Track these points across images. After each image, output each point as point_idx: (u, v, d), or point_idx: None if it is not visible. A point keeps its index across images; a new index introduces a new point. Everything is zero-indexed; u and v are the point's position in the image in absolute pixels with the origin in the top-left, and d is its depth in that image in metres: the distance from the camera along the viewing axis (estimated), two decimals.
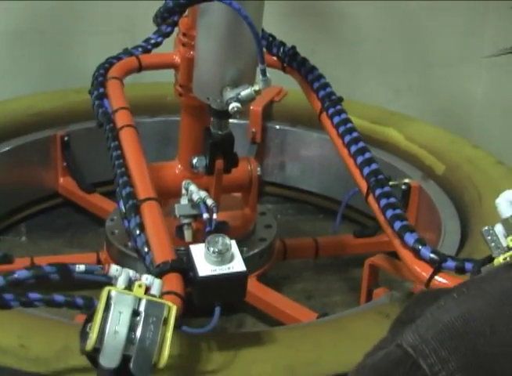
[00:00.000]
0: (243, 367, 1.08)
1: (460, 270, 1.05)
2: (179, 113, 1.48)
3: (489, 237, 0.97)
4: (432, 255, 1.08)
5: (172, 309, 0.91)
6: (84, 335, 0.90)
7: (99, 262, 1.52)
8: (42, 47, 2.00)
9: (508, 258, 0.93)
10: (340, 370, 1.10)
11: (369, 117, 1.75)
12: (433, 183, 1.61)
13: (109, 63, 1.41)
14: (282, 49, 1.39)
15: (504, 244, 0.95)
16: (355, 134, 1.26)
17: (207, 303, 1.05)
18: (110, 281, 0.93)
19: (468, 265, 1.04)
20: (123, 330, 0.88)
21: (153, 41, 1.43)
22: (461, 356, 0.66)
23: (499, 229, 0.97)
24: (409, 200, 1.60)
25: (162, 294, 0.96)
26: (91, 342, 0.87)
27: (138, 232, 1.14)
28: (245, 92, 1.23)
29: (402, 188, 1.59)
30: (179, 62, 1.38)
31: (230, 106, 1.22)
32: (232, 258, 1.05)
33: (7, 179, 1.69)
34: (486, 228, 0.97)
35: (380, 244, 1.58)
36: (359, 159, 1.23)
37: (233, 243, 1.06)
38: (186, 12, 1.38)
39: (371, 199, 1.20)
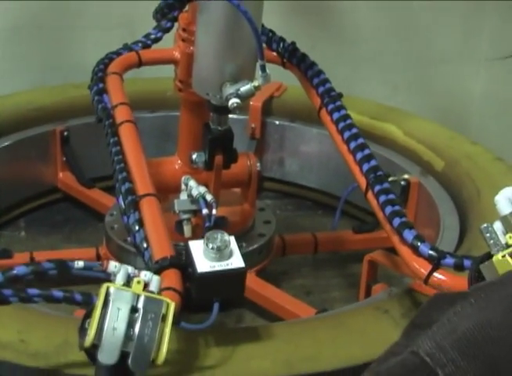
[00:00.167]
0: (242, 363, 1.08)
1: (459, 267, 1.05)
2: (179, 109, 1.48)
3: (488, 234, 0.97)
4: (431, 252, 1.08)
5: (171, 306, 0.92)
6: (82, 331, 0.90)
7: (98, 257, 1.52)
8: (41, 42, 2.00)
9: (507, 255, 0.93)
10: (339, 366, 1.10)
11: (368, 113, 1.75)
12: (432, 179, 1.61)
13: (108, 59, 1.40)
14: (281, 45, 1.39)
15: (503, 241, 0.96)
16: (354, 130, 1.26)
17: (205, 299, 1.05)
18: (109, 278, 0.93)
19: (467, 262, 1.04)
20: (121, 326, 0.88)
21: (152, 37, 1.43)
22: (480, 366, 0.65)
23: (497, 226, 0.97)
24: (408, 196, 1.60)
25: (161, 291, 0.96)
26: (89, 338, 0.87)
27: (137, 227, 1.14)
28: (245, 88, 1.23)
29: (401, 184, 1.59)
30: (179, 57, 1.38)
31: (230, 102, 1.22)
32: (230, 255, 1.05)
33: (6, 174, 1.69)
34: (485, 225, 0.97)
35: (379, 240, 1.58)
36: (359, 155, 1.23)
37: (232, 239, 1.06)
38: (186, 8, 1.38)
39: (370, 195, 1.20)
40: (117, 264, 0.93)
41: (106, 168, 1.67)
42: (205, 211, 1.29)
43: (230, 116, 1.34)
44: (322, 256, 1.66)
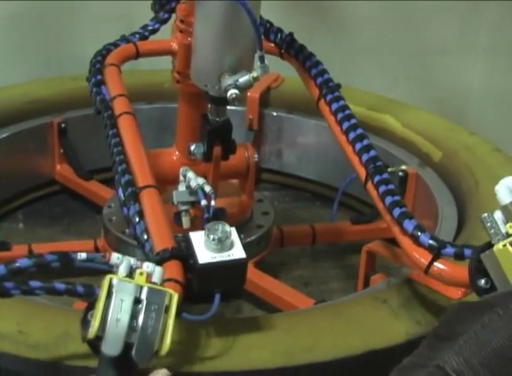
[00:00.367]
0: (242, 353, 1.08)
1: (459, 256, 1.05)
2: (176, 101, 1.47)
3: (489, 224, 0.97)
4: (431, 242, 1.08)
5: (174, 297, 0.92)
6: (85, 323, 0.90)
7: (96, 249, 1.52)
8: (38, 34, 1.99)
9: (508, 245, 0.94)
10: (338, 356, 1.10)
11: (366, 104, 1.75)
12: (430, 170, 1.62)
13: (106, 50, 1.40)
14: (279, 36, 1.39)
15: (503, 231, 0.96)
16: (353, 121, 1.26)
17: (207, 290, 1.06)
18: (111, 269, 0.93)
19: (467, 252, 1.04)
20: (125, 317, 0.88)
21: (150, 28, 1.44)
22: None
23: (498, 215, 0.97)
24: (406, 187, 1.60)
25: (162, 282, 0.96)
26: (93, 330, 0.87)
27: (137, 219, 1.14)
28: (243, 79, 1.23)
29: (399, 175, 1.59)
30: (177, 48, 1.38)
31: (228, 93, 1.22)
32: (232, 246, 1.05)
33: (4, 166, 1.69)
34: (485, 215, 0.97)
35: (378, 231, 1.59)
36: (358, 146, 1.23)
37: (233, 230, 1.06)
38: None
39: (370, 186, 1.20)
40: (119, 255, 0.93)
41: (103, 159, 1.68)
42: (204, 202, 1.29)
43: (228, 107, 1.34)
44: (321, 247, 1.66)
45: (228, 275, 1.06)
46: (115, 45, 1.41)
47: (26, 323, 1.10)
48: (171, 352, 0.92)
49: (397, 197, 1.15)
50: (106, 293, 0.89)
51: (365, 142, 1.23)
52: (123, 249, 1.45)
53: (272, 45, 1.39)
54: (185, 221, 1.36)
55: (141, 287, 0.91)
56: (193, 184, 1.33)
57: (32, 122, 1.73)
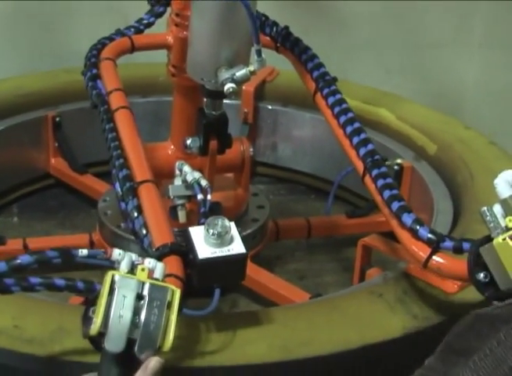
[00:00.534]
0: (240, 347, 1.09)
1: (458, 250, 1.05)
2: (171, 94, 1.47)
3: (488, 218, 0.97)
4: (430, 235, 1.08)
5: (176, 293, 0.92)
6: (86, 319, 0.90)
7: (91, 243, 1.52)
8: (32, 27, 1.98)
9: (507, 238, 0.94)
10: (335, 350, 1.11)
11: (361, 98, 1.75)
12: (425, 163, 1.62)
13: (101, 44, 1.40)
14: (275, 29, 1.38)
15: (503, 224, 0.96)
16: (350, 114, 1.26)
17: (206, 285, 1.06)
18: (113, 265, 0.93)
19: (466, 245, 1.04)
20: (127, 314, 0.88)
21: (145, 22, 1.43)
22: None
23: (497, 209, 0.97)
24: (402, 181, 1.60)
25: (163, 277, 0.96)
26: (96, 327, 0.87)
27: (136, 214, 1.14)
28: (240, 73, 1.23)
29: (394, 168, 1.59)
30: (172, 42, 1.37)
31: (225, 87, 1.22)
32: (231, 240, 1.05)
33: None
34: (485, 208, 0.98)
35: (373, 224, 1.59)
36: (355, 140, 1.23)
37: (232, 225, 1.06)
38: None
39: (368, 179, 1.20)
40: (121, 252, 0.93)
41: (98, 153, 1.69)
42: (200, 196, 1.29)
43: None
44: (316, 241, 1.66)
45: (228, 270, 1.06)
46: (110, 38, 1.41)
47: (21, 318, 1.10)
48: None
49: (395, 191, 1.15)
50: (109, 289, 0.89)
51: (363, 135, 1.23)
52: (118, 243, 1.44)
53: (268, 38, 1.39)
54: (182, 215, 1.36)
55: (143, 283, 0.91)
56: (189, 178, 1.33)
57: (26, 116, 1.72)
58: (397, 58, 2.14)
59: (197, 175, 1.33)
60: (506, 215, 0.96)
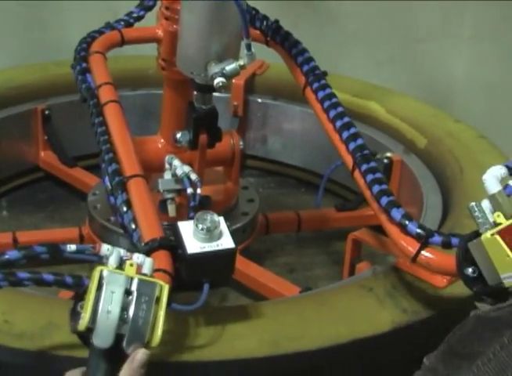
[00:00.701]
0: (229, 342, 1.09)
1: (447, 245, 1.06)
2: (161, 87, 1.47)
3: (476, 213, 0.97)
4: (419, 230, 1.08)
5: (164, 288, 0.92)
6: (74, 315, 0.90)
7: (81, 236, 1.51)
8: (21, 20, 1.98)
9: (495, 234, 0.94)
10: (325, 344, 1.11)
11: (351, 91, 1.75)
12: (415, 157, 1.62)
13: (91, 38, 1.39)
14: (265, 23, 1.38)
15: (491, 220, 0.96)
16: (340, 109, 1.26)
17: (195, 280, 1.06)
18: (101, 261, 0.93)
19: (455, 241, 1.04)
20: (115, 309, 0.88)
21: (135, 15, 1.43)
22: None
23: (486, 204, 0.97)
24: (391, 174, 1.60)
25: (152, 272, 0.96)
26: (84, 322, 0.87)
27: (125, 209, 1.14)
28: (230, 67, 1.22)
29: (383, 162, 1.59)
30: (162, 36, 1.37)
31: (215, 81, 1.22)
32: (220, 235, 1.05)
33: None
34: (473, 204, 0.98)
35: (362, 218, 1.60)
36: (345, 134, 1.23)
37: (222, 220, 1.06)
38: None
39: (357, 174, 1.20)
40: (109, 247, 0.93)
41: (88, 146, 1.68)
42: (190, 190, 1.29)
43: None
44: (305, 234, 1.66)
45: (217, 265, 1.06)
46: (100, 32, 1.40)
47: (11, 313, 1.10)
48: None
49: (384, 186, 1.15)
50: (97, 285, 0.89)
51: (352, 130, 1.23)
52: (108, 237, 1.44)
53: (258, 32, 1.39)
54: (171, 209, 1.36)
55: (131, 279, 0.90)
56: (179, 172, 1.33)
57: (16, 109, 1.72)
58: (386, 51, 2.14)
59: (187, 169, 1.33)
60: (494, 211, 0.96)
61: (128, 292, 0.90)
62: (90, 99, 1.29)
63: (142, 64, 1.79)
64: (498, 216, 0.96)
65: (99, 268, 0.90)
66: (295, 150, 1.84)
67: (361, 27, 2.11)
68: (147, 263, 0.94)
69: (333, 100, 1.27)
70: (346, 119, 1.24)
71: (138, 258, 0.94)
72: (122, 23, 1.42)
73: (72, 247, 0.94)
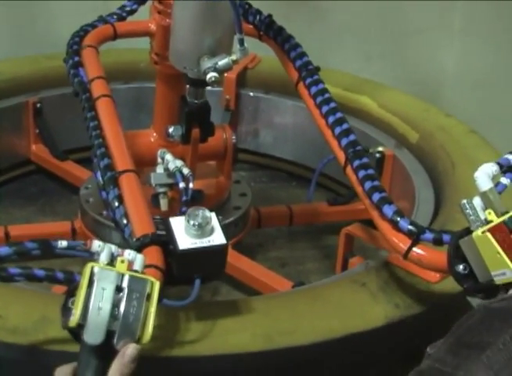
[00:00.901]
0: (222, 337, 1.09)
1: (438, 242, 1.06)
2: (153, 80, 1.47)
3: (468, 210, 0.97)
4: (410, 227, 1.09)
5: (155, 285, 0.92)
6: (66, 310, 0.90)
7: (73, 230, 1.51)
8: (13, 13, 1.97)
9: (487, 232, 0.94)
10: (317, 339, 1.11)
11: (342, 85, 1.75)
12: (406, 151, 1.62)
13: (84, 31, 1.39)
14: (258, 17, 1.38)
15: (483, 217, 0.96)
16: (332, 104, 1.26)
17: (187, 275, 1.06)
18: (93, 257, 0.93)
19: (446, 237, 1.05)
20: (106, 306, 0.88)
21: (128, 9, 1.43)
22: None
23: (477, 202, 0.97)
24: (383, 169, 1.60)
25: (143, 268, 0.96)
26: (75, 319, 0.87)
27: (116, 204, 1.14)
28: (222, 62, 1.22)
29: (375, 156, 1.59)
30: (155, 30, 1.36)
31: (208, 76, 1.22)
32: (212, 231, 1.05)
33: None
34: (464, 201, 0.98)
35: (354, 212, 1.60)
36: (337, 130, 1.23)
37: (213, 215, 1.06)
38: None
39: (349, 170, 1.20)
40: (100, 243, 0.93)
41: (79, 139, 1.68)
42: (182, 184, 1.29)
43: None
44: (297, 228, 1.66)
45: (208, 260, 1.06)
46: (92, 25, 1.40)
47: (4, 308, 1.10)
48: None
49: (376, 182, 1.16)
50: (88, 281, 0.88)
51: (345, 126, 1.23)
52: (100, 231, 1.44)
53: (251, 26, 1.39)
54: (163, 203, 1.36)
55: (122, 275, 0.90)
56: (171, 166, 1.33)
57: (7, 101, 1.71)
58: (376, 44, 2.14)
59: (179, 163, 1.33)
60: (485, 208, 0.96)
61: (119, 289, 0.90)
62: (82, 93, 1.29)
63: (134, 57, 1.79)
64: (489, 213, 0.96)
65: (90, 264, 0.90)
66: (287, 144, 1.84)
67: (351, 21, 2.11)
68: (138, 260, 0.94)
69: (326, 96, 1.27)
70: (338, 115, 1.24)
71: (129, 254, 0.94)
72: (115, 16, 1.42)
73: (63, 243, 0.94)
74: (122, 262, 0.92)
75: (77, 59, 1.34)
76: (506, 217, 0.94)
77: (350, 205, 1.63)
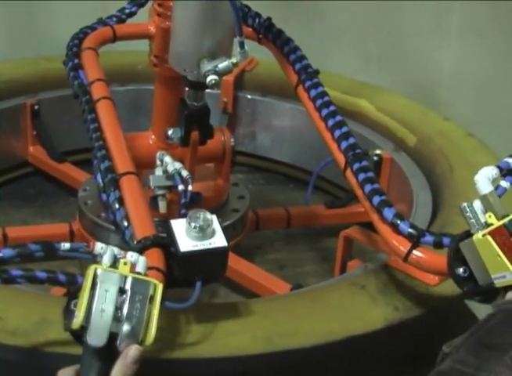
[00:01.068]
0: (222, 339, 1.09)
1: (438, 245, 1.06)
2: (150, 82, 1.47)
3: (468, 213, 0.98)
4: (410, 230, 1.09)
5: (158, 287, 0.92)
6: (68, 313, 0.90)
7: (71, 232, 1.51)
8: (12, 14, 1.97)
9: (487, 235, 0.95)
10: (318, 341, 1.12)
11: (341, 88, 1.75)
12: (404, 155, 1.62)
13: (83, 33, 1.39)
14: (257, 20, 1.38)
15: (483, 220, 0.97)
16: (332, 107, 1.26)
17: (188, 278, 1.06)
18: (95, 259, 0.93)
19: (446, 241, 1.05)
20: (109, 308, 0.88)
21: (127, 11, 1.43)
22: None
23: (477, 205, 0.98)
24: (381, 172, 1.61)
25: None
26: (78, 321, 0.87)
27: (117, 206, 1.14)
28: (223, 65, 1.23)
29: (373, 159, 1.60)
30: (154, 32, 1.37)
31: (208, 79, 1.22)
32: (213, 234, 1.05)
33: None
34: (465, 204, 0.98)
35: (352, 215, 1.60)
36: (337, 133, 1.23)
37: (214, 218, 1.06)
38: None
39: (349, 173, 1.20)
40: (103, 245, 0.93)
41: (77, 141, 1.68)
42: (181, 186, 1.29)
43: None
44: (295, 230, 1.66)
45: (209, 263, 1.06)
46: (92, 28, 1.40)
47: (4, 310, 1.10)
48: None
49: (376, 185, 1.16)
50: (91, 283, 0.89)
51: (345, 129, 1.23)
52: (99, 233, 1.44)
53: (250, 29, 1.39)
54: (162, 205, 1.36)
55: (125, 278, 0.91)
56: (170, 169, 1.33)
57: (5, 103, 1.71)
58: (374, 46, 2.14)
59: (178, 165, 1.33)
60: (486, 211, 0.97)
61: (121, 291, 0.90)
62: (82, 95, 1.29)
63: (132, 60, 1.79)
64: (489, 217, 0.96)
65: (93, 266, 0.90)
66: (284, 147, 1.84)
67: (348, 23, 2.11)
68: (141, 262, 0.94)
69: (326, 99, 1.27)
70: (338, 118, 1.25)
71: (132, 256, 0.94)
72: (114, 19, 1.42)
73: (66, 246, 0.94)
74: (125, 264, 0.92)
75: (76, 61, 1.34)
76: (506, 220, 0.94)
77: (347, 208, 1.63)
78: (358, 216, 1.53)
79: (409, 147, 1.63)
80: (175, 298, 1.04)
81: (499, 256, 0.93)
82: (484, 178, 1.00)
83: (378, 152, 1.61)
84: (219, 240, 1.05)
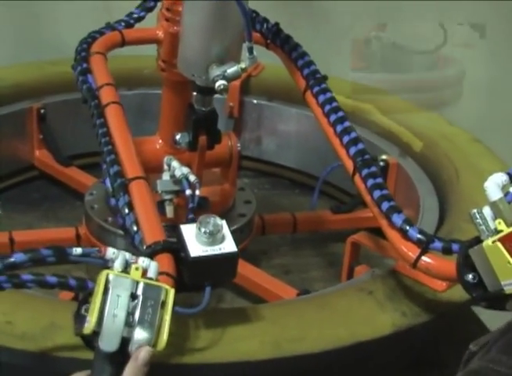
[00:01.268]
0: (231, 344, 1.09)
1: (447, 251, 1.06)
2: (157, 87, 1.47)
3: (478, 220, 0.98)
4: (419, 236, 1.09)
5: (170, 292, 0.92)
6: (79, 318, 0.90)
7: (78, 236, 1.51)
8: (18, 18, 1.97)
9: (497, 241, 0.95)
10: (326, 347, 1.12)
11: (345, 93, 1.74)
12: (411, 160, 1.63)
13: (91, 38, 1.39)
14: (265, 26, 1.38)
15: (493, 227, 0.97)
16: (340, 113, 1.26)
17: (197, 283, 1.06)
18: (107, 264, 0.93)
19: (455, 247, 1.05)
20: (121, 313, 0.88)
21: (135, 16, 1.43)
22: None
23: (487, 211, 0.98)
24: (387, 177, 1.60)
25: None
26: (90, 326, 0.87)
27: (126, 211, 1.14)
28: (231, 70, 1.23)
29: (380, 164, 1.60)
30: (162, 37, 1.36)
31: (217, 84, 1.22)
32: (223, 239, 1.06)
33: None
34: (475, 210, 0.99)
35: (358, 220, 1.60)
36: (345, 139, 1.23)
37: (224, 223, 1.06)
38: None
39: (357, 179, 1.20)
40: (115, 250, 0.93)
41: (83, 145, 1.68)
42: (188, 191, 1.29)
43: None
44: (300, 235, 1.66)
45: (219, 268, 1.06)
46: (100, 32, 1.40)
47: (13, 314, 1.10)
48: None
49: (385, 191, 1.16)
50: (103, 288, 0.89)
51: (353, 135, 1.23)
52: (105, 237, 1.44)
53: (258, 34, 1.39)
54: (169, 210, 1.36)
55: (137, 283, 0.91)
56: (178, 173, 1.33)
57: (11, 107, 1.71)
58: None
59: (186, 170, 1.33)
60: (495, 218, 0.97)
61: (133, 296, 0.90)
62: (91, 100, 1.29)
63: (139, 64, 1.79)
64: (499, 223, 0.97)
65: (105, 272, 0.90)
66: (289, 151, 1.84)
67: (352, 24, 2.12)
68: (152, 267, 0.94)
69: (334, 104, 1.27)
70: (346, 123, 1.25)
71: (143, 261, 0.94)
72: (123, 23, 1.42)
73: (78, 251, 0.94)
74: (136, 269, 0.92)
75: (85, 65, 1.34)
76: None
77: (353, 213, 1.63)
78: (364, 221, 1.53)
79: (415, 152, 1.63)
80: (182, 302, 1.04)
81: (509, 263, 0.94)
82: (494, 184, 1.00)
83: (384, 157, 1.61)
84: (229, 246, 1.06)
